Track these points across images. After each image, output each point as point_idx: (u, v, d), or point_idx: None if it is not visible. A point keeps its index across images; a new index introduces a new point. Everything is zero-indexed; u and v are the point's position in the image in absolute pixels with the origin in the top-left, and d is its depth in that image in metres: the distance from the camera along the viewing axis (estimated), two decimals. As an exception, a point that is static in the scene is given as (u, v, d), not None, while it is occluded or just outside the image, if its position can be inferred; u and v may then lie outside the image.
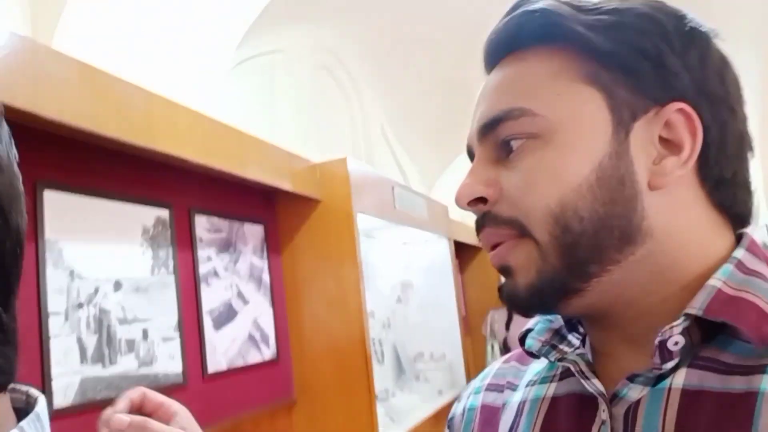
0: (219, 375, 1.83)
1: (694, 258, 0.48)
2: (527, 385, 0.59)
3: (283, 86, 3.72)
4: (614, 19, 0.48)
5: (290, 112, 3.73)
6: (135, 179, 1.60)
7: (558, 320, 0.57)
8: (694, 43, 0.49)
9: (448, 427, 0.67)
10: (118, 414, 0.58)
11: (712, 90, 0.48)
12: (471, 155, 0.55)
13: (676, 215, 0.48)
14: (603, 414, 0.48)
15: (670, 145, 0.48)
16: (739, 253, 0.48)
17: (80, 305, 1.38)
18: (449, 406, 0.76)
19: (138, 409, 0.61)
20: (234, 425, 1.83)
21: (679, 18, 0.49)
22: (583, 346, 0.56)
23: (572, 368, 0.52)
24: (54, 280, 1.33)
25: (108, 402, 0.61)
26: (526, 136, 0.50)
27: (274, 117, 3.57)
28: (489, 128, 0.51)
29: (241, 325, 1.98)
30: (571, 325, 0.57)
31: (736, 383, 0.43)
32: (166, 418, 0.62)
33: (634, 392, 0.47)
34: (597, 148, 0.48)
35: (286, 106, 3.72)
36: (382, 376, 2.80)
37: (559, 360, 0.53)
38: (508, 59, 0.53)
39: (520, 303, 0.51)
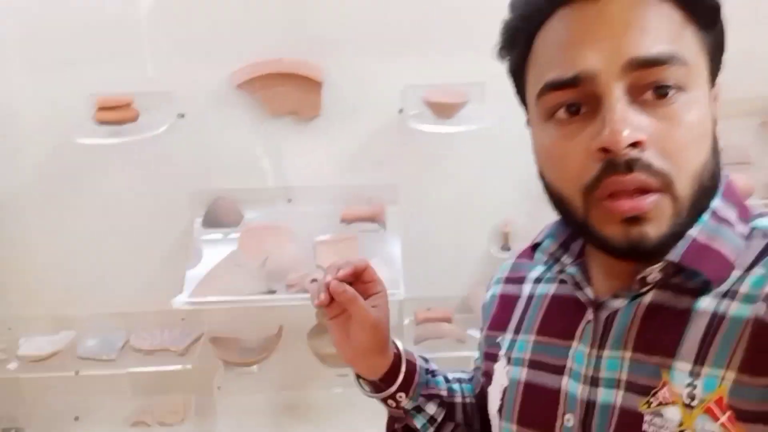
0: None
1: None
2: (535, 281, 0.71)
3: None
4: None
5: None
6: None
7: (563, 233, 0.66)
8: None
9: (482, 311, 0.79)
10: (338, 281, 0.67)
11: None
12: (575, 81, 0.51)
13: None
14: (589, 315, 0.60)
15: None
16: (715, 202, 0.56)
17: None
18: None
19: (358, 275, 0.70)
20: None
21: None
22: (582, 255, 0.65)
23: (568, 281, 0.63)
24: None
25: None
26: (677, 87, 0.50)
27: None
28: (643, 65, 0.49)
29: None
30: (573, 236, 0.66)
31: (683, 303, 0.54)
32: (370, 292, 0.71)
33: (615, 303, 0.58)
34: (710, 110, 0.53)
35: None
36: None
37: (559, 272, 0.65)
38: None
39: (646, 251, 0.52)
